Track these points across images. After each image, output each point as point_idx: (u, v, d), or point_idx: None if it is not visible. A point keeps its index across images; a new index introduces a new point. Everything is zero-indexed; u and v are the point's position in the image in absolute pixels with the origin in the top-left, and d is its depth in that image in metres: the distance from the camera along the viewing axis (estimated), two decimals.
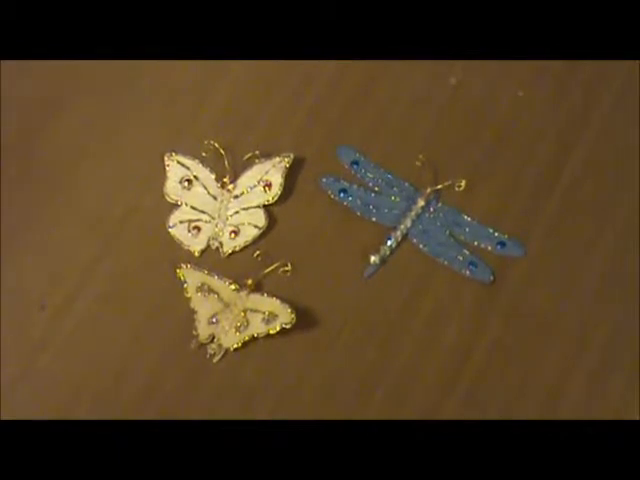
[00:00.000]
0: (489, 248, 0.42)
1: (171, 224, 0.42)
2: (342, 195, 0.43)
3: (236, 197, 0.43)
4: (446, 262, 0.41)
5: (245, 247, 0.42)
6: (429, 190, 0.42)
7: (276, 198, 0.42)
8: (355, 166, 0.43)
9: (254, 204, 0.42)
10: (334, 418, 0.39)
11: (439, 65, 0.45)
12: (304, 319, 0.40)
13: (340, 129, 0.44)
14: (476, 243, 0.42)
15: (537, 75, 0.45)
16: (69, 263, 0.41)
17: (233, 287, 0.40)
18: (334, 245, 0.42)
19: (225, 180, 0.43)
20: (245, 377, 0.39)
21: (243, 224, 0.42)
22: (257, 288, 0.40)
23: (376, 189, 0.43)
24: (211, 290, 0.40)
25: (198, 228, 0.42)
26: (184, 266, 0.40)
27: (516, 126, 0.44)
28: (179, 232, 0.42)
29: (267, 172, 0.42)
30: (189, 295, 0.40)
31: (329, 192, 0.43)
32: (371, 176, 0.43)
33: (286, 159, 0.42)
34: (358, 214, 0.42)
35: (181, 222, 0.42)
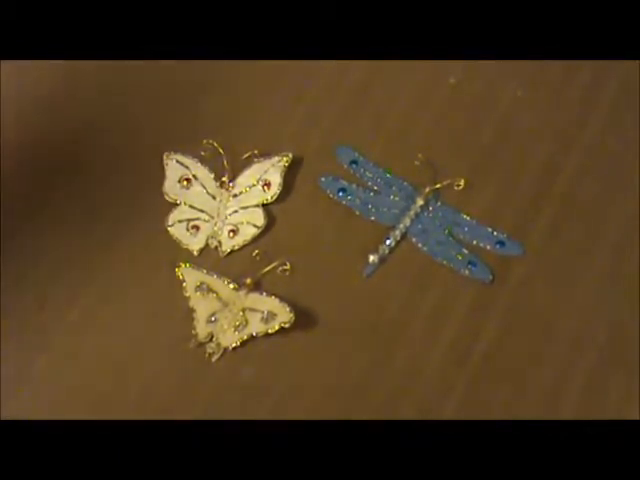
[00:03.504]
0: (488, 247, 0.42)
1: (170, 223, 0.42)
2: (341, 194, 0.43)
3: (235, 196, 0.43)
4: (445, 261, 0.41)
5: (244, 246, 0.42)
6: (428, 189, 0.42)
7: (275, 197, 0.42)
8: (354, 165, 0.43)
9: (253, 203, 0.42)
10: (334, 418, 0.39)
11: (439, 65, 0.45)
12: (303, 318, 0.40)
13: (339, 129, 0.44)
14: (475, 242, 0.42)
15: (537, 75, 0.45)
16: (69, 262, 0.41)
17: (232, 286, 0.40)
18: (333, 244, 0.42)
19: (224, 179, 0.43)
20: (244, 376, 0.39)
21: (242, 223, 0.42)
22: (256, 287, 0.40)
23: (375, 188, 0.43)
24: (210, 289, 0.40)
25: (197, 227, 0.42)
26: (183, 265, 0.40)
27: (515, 126, 0.44)
28: (178, 231, 0.42)
29: (266, 171, 0.42)
30: (188, 294, 0.40)
31: (328, 191, 0.43)
32: (370, 175, 0.43)
33: (285, 158, 0.42)
34: (357, 213, 0.42)
35: (180, 221, 0.42)
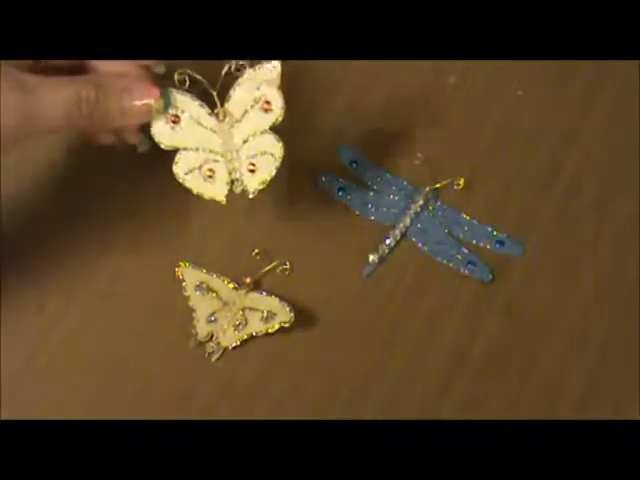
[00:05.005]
0: (488, 247, 0.42)
1: (181, 176, 0.37)
2: (341, 194, 0.43)
3: (236, 122, 0.37)
4: (445, 261, 0.41)
5: (269, 182, 0.37)
6: (428, 189, 0.42)
7: (281, 117, 0.36)
8: (354, 165, 0.43)
9: (260, 129, 0.37)
10: (334, 418, 0.39)
11: (439, 65, 0.45)
12: (303, 318, 0.40)
13: (340, 128, 0.44)
14: (475, 242, 0.42)
15: (537, 75, 0.45)
16: (68, 263, 0.41)
17: (232, 286, 0.40)
18: (333, 244, 0.42)
19: (217, 110, 0.37)
20: (244, 376, 0.39)
21: (256, 156, 0.37)
22: (256, 287, 0.41)
23: (375, 188, 0.43)
24: (210, 289, 0.40)
25: (211, 171, 0.37)
26: (183, 265, 0.40)
27: (515, 126, 0.44)
28: (194, 182, 0.37)
29: (259, 87, 0.36)
30: (188, 294, 0.40)
31: (328, 191, 0.43)
32: (370, 175, 0.43)
33: (274, 67, 0.37)
34: (357, 213, 0.42)
35: (190, 170, 0.37)
